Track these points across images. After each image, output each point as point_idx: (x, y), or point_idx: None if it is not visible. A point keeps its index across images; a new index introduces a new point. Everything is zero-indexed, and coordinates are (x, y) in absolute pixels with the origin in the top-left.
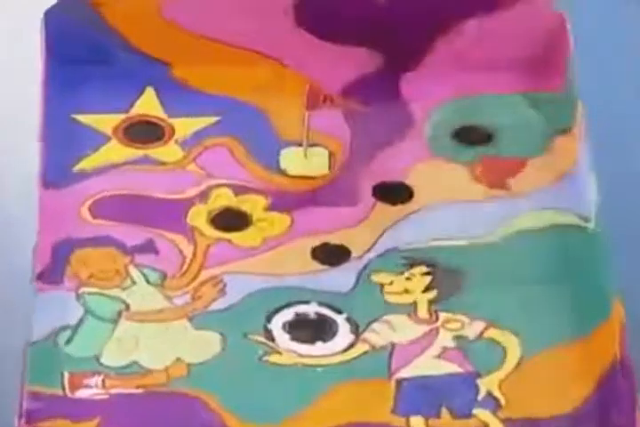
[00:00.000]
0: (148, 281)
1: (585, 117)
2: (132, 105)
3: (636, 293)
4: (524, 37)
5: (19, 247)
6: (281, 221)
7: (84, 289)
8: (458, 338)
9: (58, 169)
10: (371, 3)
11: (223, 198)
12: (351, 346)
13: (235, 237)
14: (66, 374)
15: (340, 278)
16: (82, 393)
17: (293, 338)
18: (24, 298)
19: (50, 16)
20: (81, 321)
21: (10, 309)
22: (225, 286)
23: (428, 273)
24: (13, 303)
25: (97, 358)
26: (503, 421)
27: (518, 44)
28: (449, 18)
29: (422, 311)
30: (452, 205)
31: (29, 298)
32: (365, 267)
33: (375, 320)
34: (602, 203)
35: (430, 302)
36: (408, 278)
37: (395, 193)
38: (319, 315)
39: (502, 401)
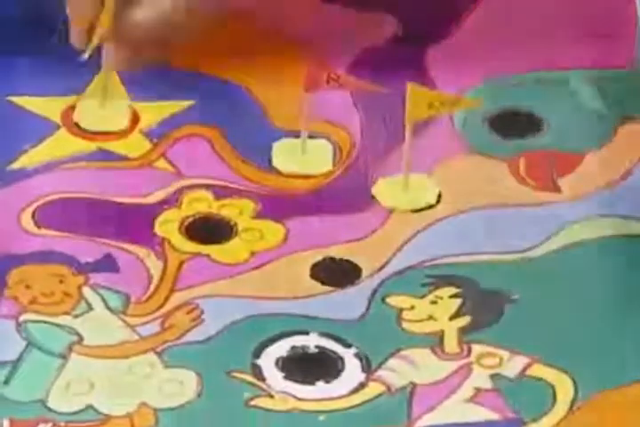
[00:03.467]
0: (106, 306)
1: None
2: (85, 84)
3: None
4: (580, 4)
5: None
6: (273, 231)
7: (25, 316)
8: (495, 377)
9: None
10: None
11: (200, 203)
12: (361, 387)
13: (215, 250)
14: (5, 423)
15: (348, 303)
16: None
17: (288, 377)
18: None
19: None
20: (22, 356)
21: None
22: (202, 312)
23: (457, 295)
24: None
25: (43, 402)
26: None
27: (570, 8)
28: None
29: (450, 344)
30: (489, 210)
31: None
32: (379, 288)
33: (391, 355)
34: None
35: (461, 332)
36: (433, 302)
37: None
38: (321, 348)
39: None
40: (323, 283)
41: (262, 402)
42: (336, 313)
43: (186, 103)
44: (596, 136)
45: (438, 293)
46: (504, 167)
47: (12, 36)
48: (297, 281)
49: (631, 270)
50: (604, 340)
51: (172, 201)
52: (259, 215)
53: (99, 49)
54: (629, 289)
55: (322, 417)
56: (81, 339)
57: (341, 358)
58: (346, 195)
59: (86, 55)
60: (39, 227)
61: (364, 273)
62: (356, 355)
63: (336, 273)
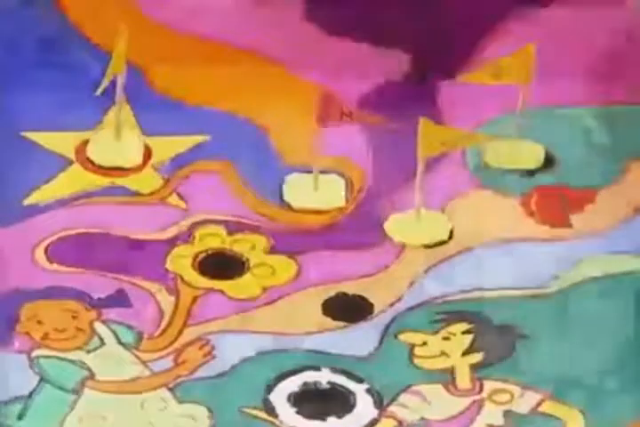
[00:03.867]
0: (119, 341)
1: None
2: (99, 120)
3: None
4: (589, 39)
5: None
6: (285, 266)
7: (38, 352)
8: (507, 414)
9: (5, 202)
10: None
11: (213, 238)
12: (374, 423)
13: (227, 286)
14: None
15: (360, 338)
16: None
17: (300, 413)
18: None
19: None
20: (35, 391)
21: None
22: (214, 348)
23: (469, 331)
24: None
25: None
26: None
27: (583, 47)
28: (489, 15)
29: (463, 380)
30: (501, 246)
31: None
32: (391, 324)
33: (403, 391)
34: None
35: (473, 369)
36: (445, 338)
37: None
38: (333, 384)
39: None
40: (334, 318)
41: None
42: (348, 349)
43: (198, 139)
44: (607, 172)
45: (450, 329)
46: (516, 203)
47: (27, 73)
48: (309, 317)
49: (638, 302)
50: (617, 378)
51: (184, 237)
52: (271, 251)
53: (112, 83)
54: (636, 320)
55: None
56: (93, 374)
57: (353, 394)
58: (358, 230)
59: (99, 91)
60: (52, 262)
61: (377, 309)
62: (368, 391)
63: (348, 309)
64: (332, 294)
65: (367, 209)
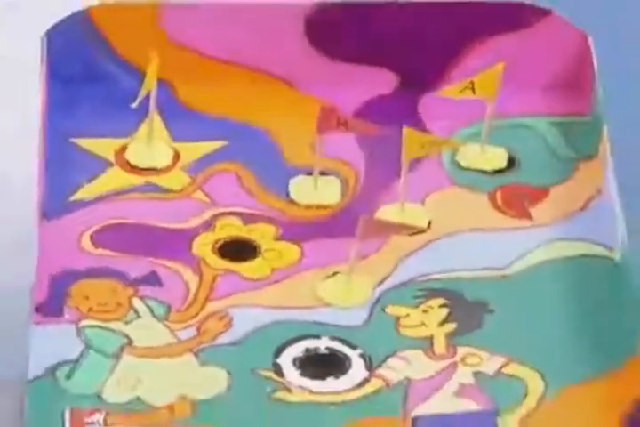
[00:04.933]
0: (152, 314)
1: (611, 142)
2: (135, 128)
3: None
4: (545, 58)
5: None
6: (291, 251)
7: (84, 322)
8: (476, 374)
9: (56, 197)
10: (384, 21)
11: (231, 227)
12: (365, 382)
13: (242, 267)
14: (66, 412)
15: (353, 311)
16: None
17: (304, 374)
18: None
19: (51, 35)
20: (81, 356)
21: (7, 341)
22: (231, 319)
23: (445, 305)
24: (12, 335)
25: (98, 395)
26: None
27: (540, 65)
28: (468, 38)
29: (439, 346)
30: (472, 234)
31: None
32: (379, 299)
33: (390, 355)
34: (629, 232)
35: (448, 337)
36: (425, 311)
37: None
38: (331, 350)
39: None
40: (330, 296)
41: (282, 395)
42: (343, 320)
43: (218, 144)
44: (560, 172)
45: (429, 303)
46: (484, 198)
47: (75, 88)
48: (310, 293)
49: (587, 284)
50: (567, 342)
51: (206, 226)
52: (279, 238)
53: (146, 98)
54: (585, 299)
55: (332, 407)
56: (130, 342)
57: (348, 358)
58: (352, 221)
59: (135, 103)
60: (96, 247)
61: (368, 286)
62: (361, 355)
63: (343, 289)
64: (330, 274)
65: (359, 203)
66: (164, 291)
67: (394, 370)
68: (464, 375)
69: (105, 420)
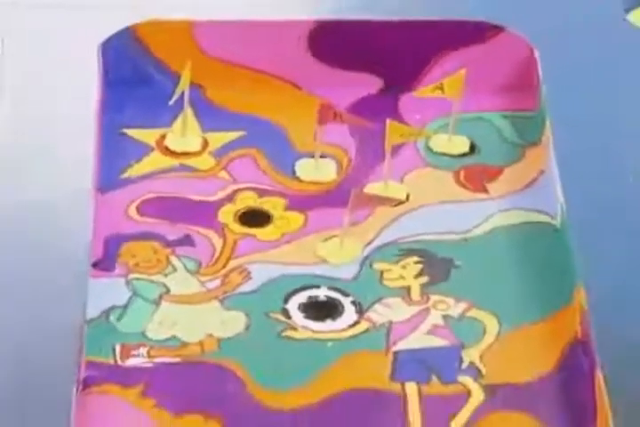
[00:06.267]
0: (186, 269)
1: (552, 132)
2: (172, 121)
3: (598, 280)
4: (500, 65)
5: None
6: (296, 219)
7: (131, 275)
8: (445, 317)
9: (109, 176)
10: (371, 36)
11: (248, 200)
12: (355, 324)
13: (258, 232)
14: (117, 346)
15: (346, 266)
16: (130, 362)
17: (307, 317)
18: (75, 284)
19: (105, 47)
20: (129, 302)
21: (64, 293)
22: (249, 273)
23: (419, 262)
24: (67, 289)
25: (143, 333)
26: (483, 387)
27: (495, 71)
28: (437, 49)
29: (415, 294)
30: (441, 205)
31: (82, 284)
32: (367, 257)
33: (376, 302)
34: (567, 202)
35: (422, 287)
36: (403, 267)
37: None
38: (328, 297)
39: (483, 370)
40: (329, 254)
41: (289, 333)
42: (339, 274)
43: (238, 133)
44: (512, 156)
45: (407, 260)
46: (450, 177)
47: (124, 89)
48: (312, 253)
49: (533, 244)
50: (518, 292)
51: (229, 199)
52: (287, 208)
53: (181, 97)
54: (532, 257)
55: (330, 343)
56: (168, 291)
57: (342, 304)
58: (345, 195)
59: (172, 101)
60: (141, 216)
61: (358, 247)
62: (352, 302)
63: (338, 249)
64: (329, 236)
65: (351, 181)
66: (195, 250)
67: (379, 314)
68: (435, 318)
69: (148, 353)
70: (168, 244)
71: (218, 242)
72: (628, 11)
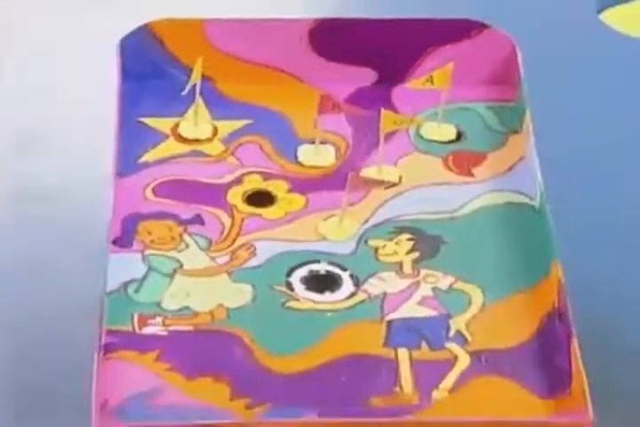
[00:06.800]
0: (197, 245)
1: (532, 121)
2: (185, 110)
3: (575, 255)
4: (484, 60)
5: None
6: (298, 200)
7: (147, 251)
8: (434, 289)
9: (128, 160)
10: (367, 32)
11: (254, 182)
12: (352, 295)
13: (263, 212)
14: (134, 316)
15: (344, 244)
16: (146, 330)
17: (308, 289)
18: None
19: (124, 43)
20: (145, 276)
21: (87, 268)
22: (255, 249)
23: (411, 239)
24: (89, 264)
25: (158, 304)
26: (468, 352)
27: (480, 64)
28: (428, 45)
29: (407, 268)
30: (430, 187)
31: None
32: (363, 235)
33: (371, 275)
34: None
35: (413, 262)
36: (396, 243)
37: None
38: (328, 271)
39: (468, 337)
40: (329, 232)
41: (292, 304)
42: (337, 250)
43: (245, 122)
44: (495, 142)
45: (399, 237)
46: (439, 161)
47: (141, 81)
48: (313, 231)
49: (514, 223)
50: (500, 266)
51: (237, 182)
52: (290, 190)
53: (193, 88)
54: (513, 234)
55: (329, 313)
56: (181, 265)
57: (341, 277)
58: (343, 178)
59: (185, 92)
60: (156, 197)
61: (355, 225)
62: (350, 275)
63: (336, 227)
64: (328, 216)
65: (348, 165)
66: (206, 229)
67: (374, 286)
68: (425, 290)
69: (163, 321)
70: (181, 222)
71: (227, 221)
72: (599, 11)
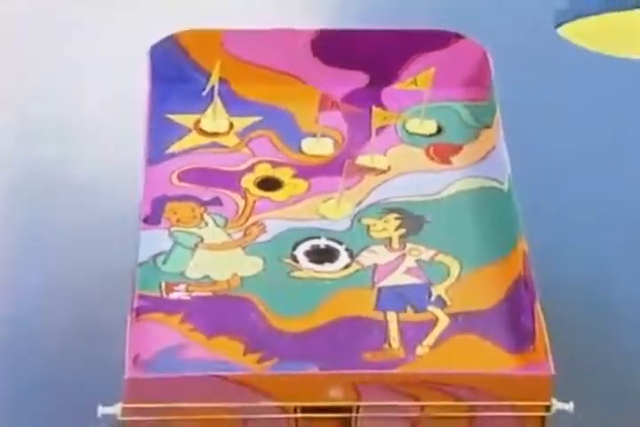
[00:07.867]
0: (215, 223)
1: (502, 117)
2: (205, 108)
3: (535, 230)
4: (460, 65)
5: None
6: (302, 185)
7: (173, 228)
8: (418, 261)
9: (157, 151)
10: (360, 41)
11: (264, 170)
12: (348, 266)
13: (271, 195)
14: (162, 283)
15: (341, 222)
16: (172, 295)
17: (310, 261)
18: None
19: (153, 51)
20: (171, 249)
21: (122, 243)
22: (265, 226)
23: (398, 218)
24: (124, 239)
25: (182, 273)
26: (448, 315)
27: (457, 69)
28: (412, 52)
29: (395, 243)
30: (415, 174)
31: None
32: (358, 214)
33: (364, 249)
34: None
35: (400, 237)
36: (385, 222)
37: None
38: (327, 246)
39: (447, 302)
40: (328, 212)
41: (297, 274)
42: (335, 227)
43: (257, 118)
44: (470, 136)
45: (388, 217)
46: (422, 152)
47: (168, 84)
48: (315, 211)
49: (487, 204)
50: (475, 240)
51: (249, 169)
52: (295, 176)
53: (212, 89)
54: (486, 214)
55: (328, 282)
56: (202, 240)
57: (338, 251)
58: (340, 166)
59: (205, 92)
60: (181, 182)
61: (350, 206)
62: (346, 249)
63: (335, 208)
64: (327, 198)
65: (345, 155)
66: (223, 209)
67: (366, 258)
68: (410, 262)
69: (186, 288)
70: (202, 204)
71: (241, 202)
72: (557, 26)
